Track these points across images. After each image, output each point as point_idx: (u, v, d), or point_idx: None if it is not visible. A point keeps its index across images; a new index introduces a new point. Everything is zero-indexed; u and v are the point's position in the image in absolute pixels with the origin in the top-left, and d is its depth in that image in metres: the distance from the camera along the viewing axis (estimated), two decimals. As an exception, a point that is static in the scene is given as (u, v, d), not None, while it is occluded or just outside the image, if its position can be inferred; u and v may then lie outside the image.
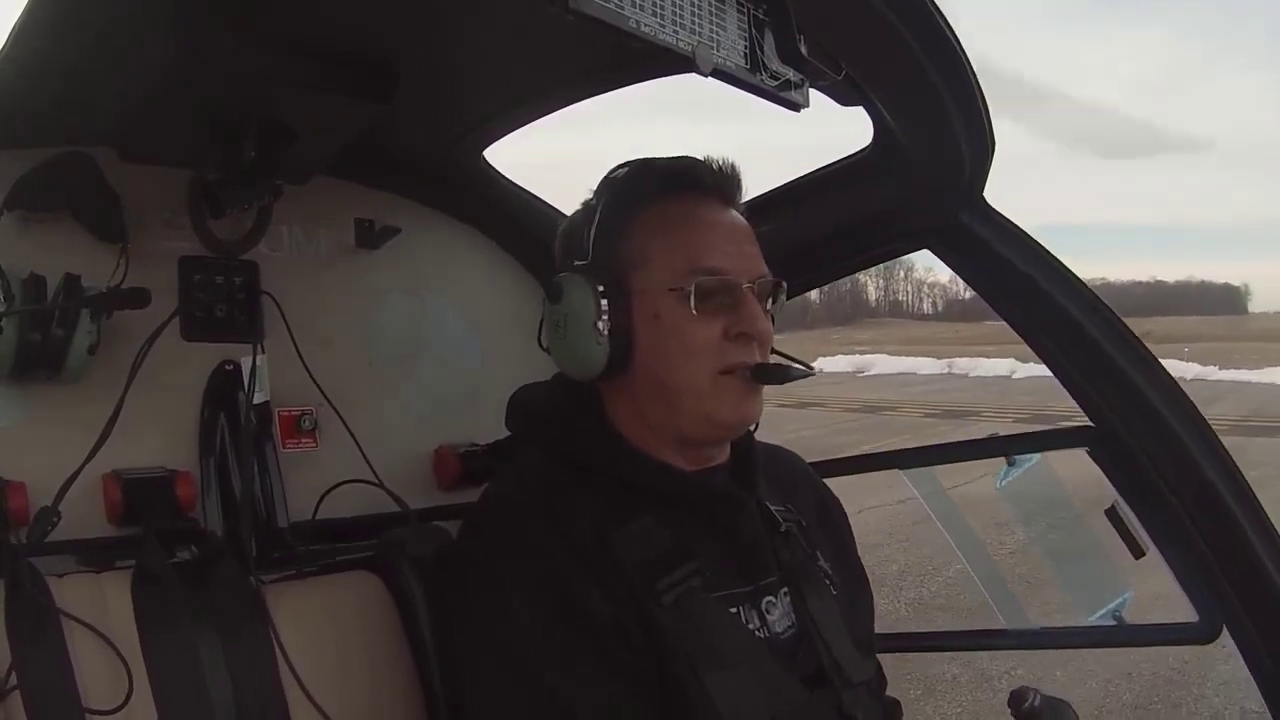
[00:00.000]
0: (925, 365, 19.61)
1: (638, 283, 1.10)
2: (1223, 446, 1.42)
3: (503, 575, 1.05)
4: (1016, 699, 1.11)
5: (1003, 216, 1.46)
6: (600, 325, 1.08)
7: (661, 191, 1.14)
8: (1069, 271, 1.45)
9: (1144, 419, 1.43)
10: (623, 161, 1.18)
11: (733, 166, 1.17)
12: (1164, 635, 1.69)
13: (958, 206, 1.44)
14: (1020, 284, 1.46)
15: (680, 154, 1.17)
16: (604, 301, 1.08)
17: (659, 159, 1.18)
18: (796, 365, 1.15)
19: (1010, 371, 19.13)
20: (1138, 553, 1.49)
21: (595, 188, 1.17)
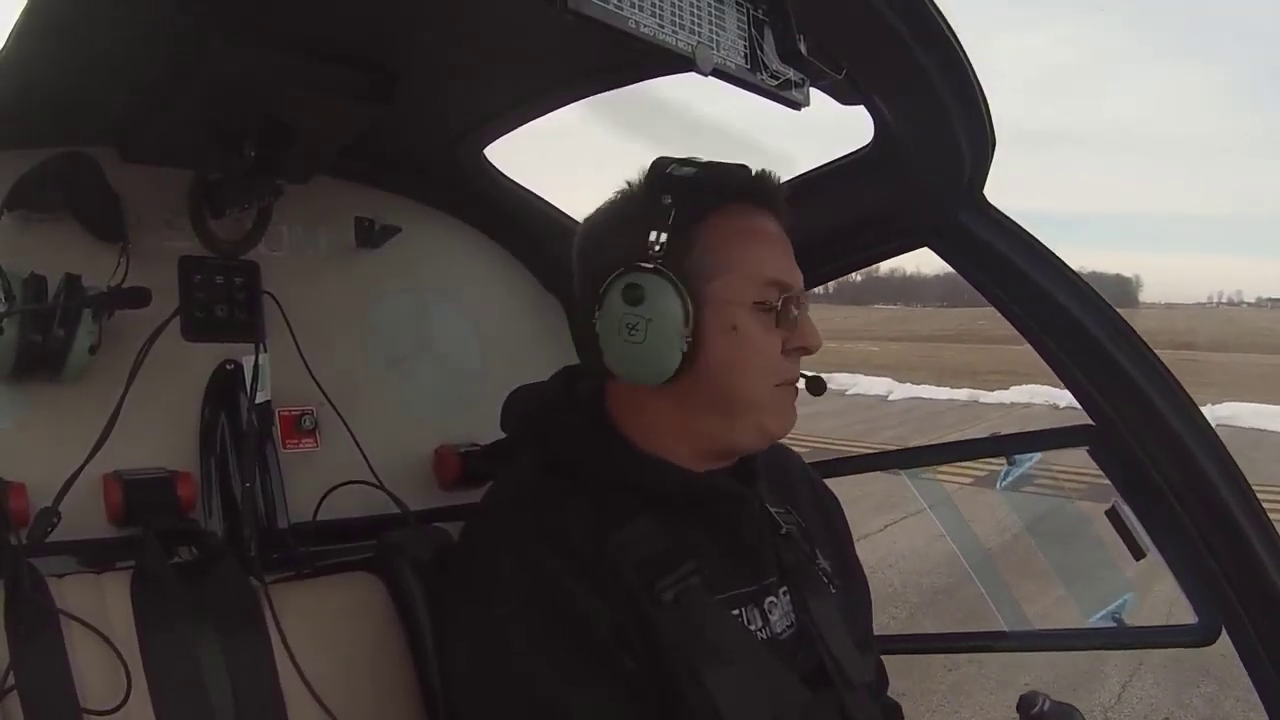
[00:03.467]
0: (805, 380, 19.08)
1: (713, 292, 1.08)
2: (1223, 446, 1.41)
3: (495, 586, 1.04)
4: (1025, 704, 1.10)
5: (1003, 215, 1.45)
6: (685, 333, 1.05)
7: (731, 197, 1.12)
8: (1070, 270, 1.45)
9: (1144, 418, 1.43)
10: (676, 158, 1.10)
11: (778, 177, 1.17)
12: (1164, 637, 1.69)
13: (958, 206, 1.44)
14: (1020, 283, 1.46)
15: (734, 161, 1.14)
16: (691, 308, 1.06)
17: (722, 165, 1.12)
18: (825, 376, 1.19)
19: (887, 392, 17.81)
20: (1138, 554, 1.49)
21: (649, 181, 1.10)
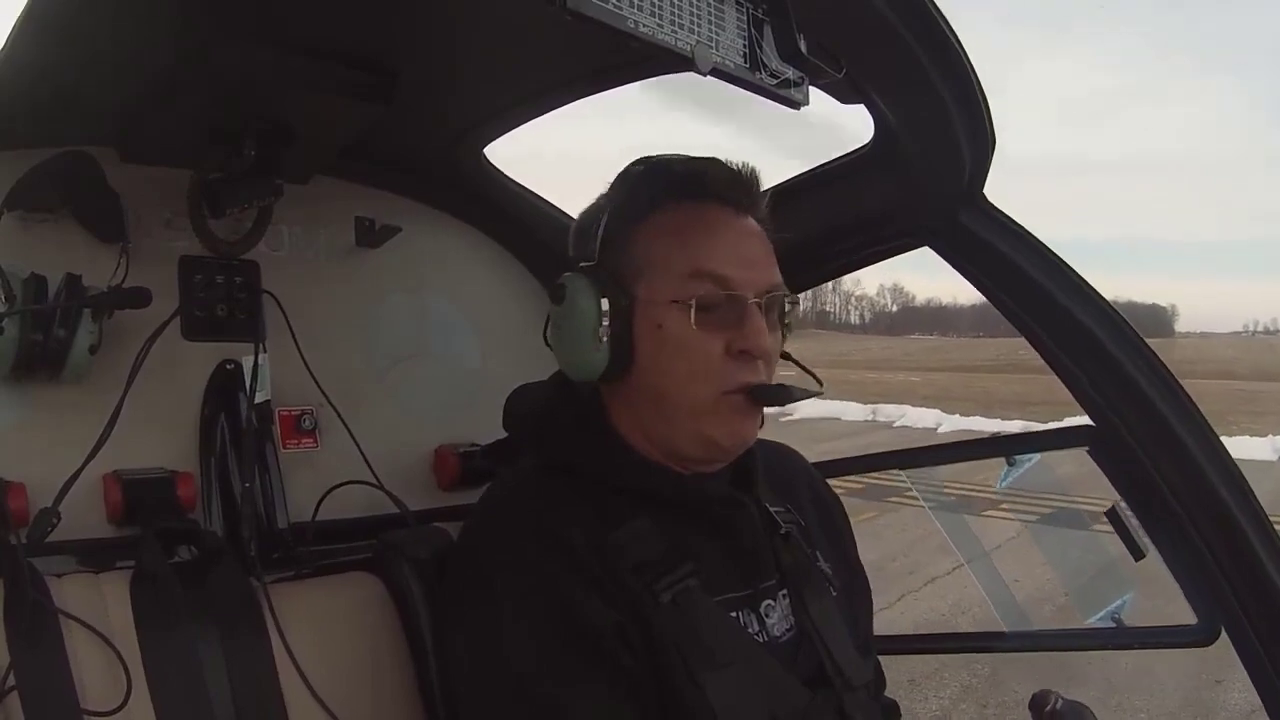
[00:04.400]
0: (850, 410, 17.54)
1: (642, 290, 1.07)
2: (1224, 447, 1.41)
3: (494, 587, 1.04)
4: (1038, 703, 1.10)
5: (1003, 215, 1.45)
6: (600, 332, 1.06)
7: (673, 195, 1.10)
8: (1070, 270, 1.45)
9: (1145, 419, 1.43)
10: (639, 158, 1.14)
11: (751, 171, 1.12)
12: (1163, 637, 1.69)
13: (958, 205, 1.44)
14: (1021, 283, 1.46)
15: (699, 155, 1.13)
16: (604, 305, 1.06)
17: (675, 159, 1.13)
18: (800, 388, 1.10)
19: (936, 424, 16.93)
20: (1137, 554, 1.49)
21: (611, 183, 1.14)
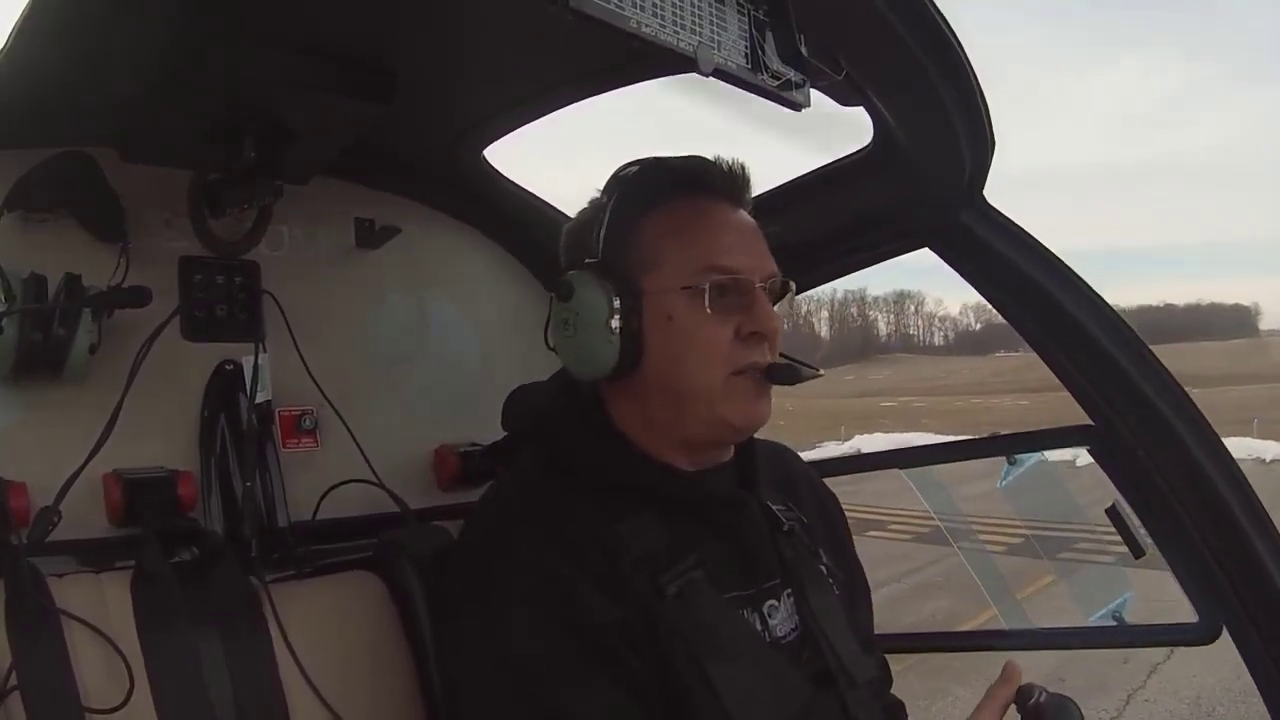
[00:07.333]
0: (926, 442, 17.11)
1: (650, 283, 1.09)
2: (1223, 446, 1.42)
3: (498, 588, 1.04)
4: (1023, 695, 1.11)
5: (1003, 216, 1.46)
6: (612, 324, 1.08)
7: (672, 192, 1.13)
8: (1070, 270, 1.45)
9: (1144, 418, 1.43)
10: (631, 160, 1.17)
11: (742, 167, 1.16)
12: (1164, 635, 1.69)
13: (958, 206, 1.44)
14: (1020, 283, 1.46)
15: (691, 154, 1.16)
16: (616, 300, 1.08)
17: (671, 159, 1.17)
18: (806, 366, 1.13)
19: (1073, 456, 15.49)
20: (1137, 552, 1.49)
21: (604, 185, 1.16)
